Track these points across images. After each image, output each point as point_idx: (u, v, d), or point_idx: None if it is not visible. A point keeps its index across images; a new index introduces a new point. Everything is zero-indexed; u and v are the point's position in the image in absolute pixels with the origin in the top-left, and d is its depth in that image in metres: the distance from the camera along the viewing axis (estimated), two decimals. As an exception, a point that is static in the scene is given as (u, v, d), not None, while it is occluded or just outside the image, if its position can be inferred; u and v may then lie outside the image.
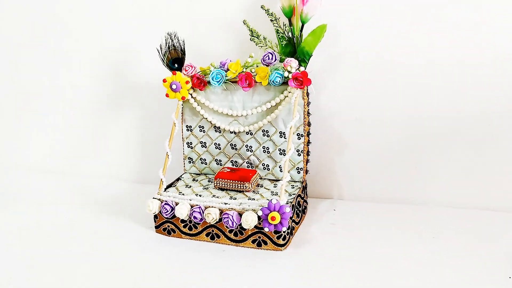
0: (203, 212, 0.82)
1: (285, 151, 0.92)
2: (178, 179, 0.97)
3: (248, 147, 0.95)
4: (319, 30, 0.88)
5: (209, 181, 0.95)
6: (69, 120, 1.18)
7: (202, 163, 0.99)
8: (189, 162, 1.00)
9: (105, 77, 1.12)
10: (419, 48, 0.90)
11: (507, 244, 0.80)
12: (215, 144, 0.97)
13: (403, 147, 0.95)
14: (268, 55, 0.88)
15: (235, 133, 0.95)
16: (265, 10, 0.90)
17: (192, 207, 0.83)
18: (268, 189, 0.90)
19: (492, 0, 0.85)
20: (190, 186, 0.93)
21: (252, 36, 0.91)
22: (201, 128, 0.97)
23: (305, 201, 0.95)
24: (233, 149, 0.96)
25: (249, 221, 0.78)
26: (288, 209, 0.77)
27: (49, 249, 0.84)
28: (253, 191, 0.89)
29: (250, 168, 0.96)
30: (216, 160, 0.98)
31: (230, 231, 0.83)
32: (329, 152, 1.00)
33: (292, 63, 0.86)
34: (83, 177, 1.17)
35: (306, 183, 0.95)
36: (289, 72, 0.86)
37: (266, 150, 0.94)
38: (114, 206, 1.01)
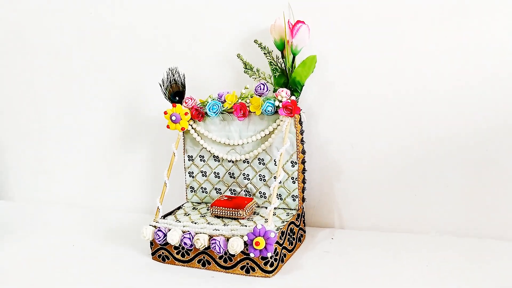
0: (192, 238, 0.84)
1: (280, 179, 0.93)
2: (179, 208, 1.00)
3: (245, 175, 0.97)
4: (308, 61, 0.91)
5: (207, 210, 0.97)
6: (86, 156, 1.25)
7: (203, 192, 1.02)
8: (191, 191, 1.03)
9: (117, 114, 1.19)
10: (410, 75, 0.90)
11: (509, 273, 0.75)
12: (214, 173, 0.99)
13: (400, 174, 0.94)
14: (260, 86, 0.91)
15: (233, 161, 0.97)
16: (258, 44, 0.94)
17: (183, 233, 0.85)
18: (263, 217, 0.91)
19: (481, 23, 0.84)
20: (189, 214, 0.95)
21: (246, 68, 0.95)
22: (201, 158, 1.00)
23: (301, 229, 0.94)
24: (231, 177, 0.98)
25: (235, 247, 0.78)
26: (272, 234, 0.77)
27: (55, 276, 0.88)
28: (248, 218, 0.90)
29: (247, 196, 0.97)
30: (216, 188, 1.00)
31: (220, 258, 0.84)
32: (327, 180, 0.99)
33: (283, 93, 0.89)
34: (99, 209, 1.23)
35: (303, 211, 0.95)
36: (280, 101, 0.88)
37: (262, 178, 0.95)
38: (121, 234, 1.05)
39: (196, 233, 0.84)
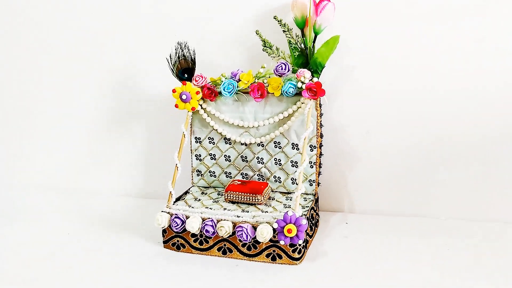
0: (215, 226, 0.79)
1: (297, 163, 0.90)
2: (186, 193, 0.94)
3: (259, 159, 0.93)
4: (332, 41, 0.87)
5: (218, 194, 0.93)
6: (73, 135, 1.15)
7: (211, 175, 0.97)
8: (198, 175, 0.97)
9: (108, 90, 1.10)
10: (431, 68, 0.90)
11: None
12: (225, 156, 0.94)
13: (411, 162, 0.94)
14: (282, 66, 0.86)
15: (246, 144, 0.93)
16: (278, 21, 0.89)
17: (203, 220, 0.81)
18: (280, 202, 0.88)
19: (494, 24, 0.85)
20: (199, 200, 0.90)
21: (265, 46, 0.90)
22: (210, 140, 0.95)
23: (317, 214, 0.93)
24: (243, 161, 0.94)
25: (265, 234, 0.75)
26: (304, 221, 0.74)
27: (53, 267, 0.80)
28: (265, 204, 0.87)
29: (261, 180, 0.93)
30: (225, 172, 0.95)
31: (243, 245, 0.80)
32: (340, 165, 0.98)
33: (306, 74, 0.85)
34: (87, 193, 1.13)
35: (318, 196, 0.93)
36: (303, 82, 0.85)
37: (278, 162, 0.92)
38: (120, 221, 0.98)
39: (219, 221, 0.80)
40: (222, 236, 0.80)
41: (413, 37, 0.90)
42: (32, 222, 0.99)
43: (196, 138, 0.96)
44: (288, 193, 0.92)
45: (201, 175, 0.97)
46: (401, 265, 0.77)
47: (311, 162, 0.90)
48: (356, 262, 0.78)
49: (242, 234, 0.77)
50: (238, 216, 0.80)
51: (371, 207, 0.98)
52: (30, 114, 1.16)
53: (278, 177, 0.93)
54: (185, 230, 0.82)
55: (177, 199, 0.91)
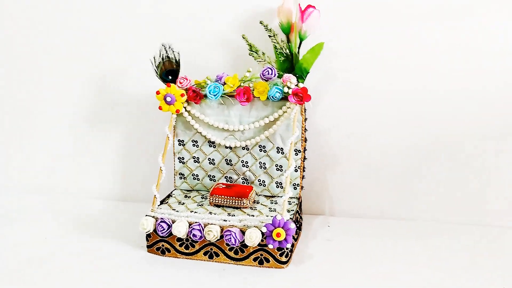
0: (203, 230, 0.79)
1: (282, 167, 0.91)
2: (169, 196, 0.93)
3: (243, 163, 0.93)
4: (317, 48, 0.89)
5: (202, 198, 0.92)
6: (50, 136, 1.11)
7: (194, 179, 0.96)
8: (180, 178, 0.96)
9: (88, 90, 1.07)
10: (413, 72, 0.93)
11: (498, 256, 0.82)
12: (209, 159, 0.94)
13: (392, 166, 0.97)
14: (268, 70, 0.87)
15: (230, 148, 0.93)
16: (264, 26, 0.90)
17: (190, 224, 0.80)
18: (266, 206, 0.88)
19: (488, 24, 0.89)
20: (183, 203, 0.90)
21: (251, 51, 0.90)
22: (194, 143, 0.94)
23: (301, 217, 0.94)
24: (227, 164, 0.94)
25: (253, 238, 0.76)
26: (292, 225, 0.75)
27: (30, 273, 0.77)
28: (251, 207, 0.87)
29: (245, 184, 0.94)
30: (209, 175, 0.95)
31: (230, 249, 0.80)
32: (322, 169, 1.00)
33: (292, 79, 0.86)
34: (62, 194, 1.10)
35: (301, 200, 0.95)
36: (289, 88, 0.86)
37: (263, 166, 0.92)
38: (99, 225, 0.96)
39: (206, 225, 0.79)
40: (209, 240, 0.79)
41: (396, 43, 0.92)
42: (6, 226, 0.95)
43: (179, 140, 0.95)
44: (272, 196, 0.93)
45: (184, 178, 0.96)
46: (387, 267, 0.79)
47: (296, 166, 0.91)
48: (342, 265, 0.80)
49: (230, 238, 0.77)
50: (225, 220, 0.80)
51: (351, 210, 1.01)
52: (6, 115, 1.12)
53: (262, 181, 0.93)
54: (171, 234, 0.81)
55: (161, 203, 0.89)
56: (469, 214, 0.95)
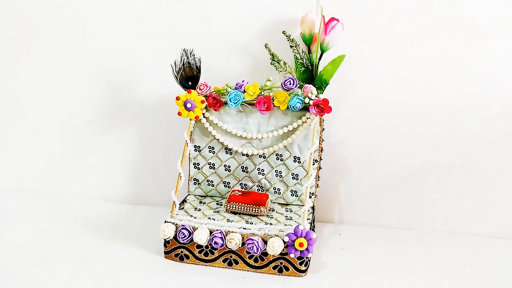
0: (225, 238, 0.79)
1: (297, 175, 0.93)
2: (183, 201, 0.93)
3: (259, 170, 0.94)
4: (338, 60, 0.91)
5: (217, 204, 0.93)
6: (53, 136, 1.09)
7: (208, 184, 0.96)
8: (195, 183, 0.96)
9: (99, 91, 1.06)
10: (430, 88, 0.95)
11: (501, 267, 0.86)
12: (224, 166, 0.95)
13: (402, 177, 1.00)
14: (290, 81, 0.88)
15: (247, 155, 0.94)
16: (287, 36, 0.91)
17: (211, 232, 0.81)
18: (282, 214, 0.89)
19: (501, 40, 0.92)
20: (199, 209, 0.90)
21: (273, 60, 0.91)
22: (210, 149, 0.95)
23: (314, 225, 0.96)
24: (243, 171, 0.94)
25: (276, 248, 0.77)
26: (314, 235, 0.77)
27: (43, 281, 0.76)
28: (267, 215, 0.88)
29: (260, 191, 0.95)
30: (224, 182, 0.95)
31: (250, 257, 0.81)
32: (334, 178, 1.02)
33: (313, 90, 0.87)
34: (67, 197, 1.08)
35: (315, 208, 0.96)
36: (310, 99, 0.87)
37: (279, 174, 0.93)
38: (111, 229, 0.95)
39: (227, 233, 0.80)
40: (230, 248, 0.80)
41: (411, 55, 0.94)
42: (15, 228, 0.93)
43: (195, 146, 0.95)
44: (287, 204, 0.94)
45: (198, 183, 0.96)
46: (403, 274, 0.82)
47: (311, 175, 0.93)
48: (358, 273, 0.82)
49: (252, 247, 0.77)
50: (245, 228, 0.81)
51: (360, 219, 1.03)
52: (18, 115, 1.09)
53: (277, 189, 0.94)
54: (191, 241, 0.81)
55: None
56: (481, 225, 0.99)
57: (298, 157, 0.92)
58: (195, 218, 0.85)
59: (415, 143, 0.98)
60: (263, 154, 0.93)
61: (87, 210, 1.03)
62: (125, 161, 1.08)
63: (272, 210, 0.91)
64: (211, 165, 0.95)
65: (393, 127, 0.98)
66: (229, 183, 0.96)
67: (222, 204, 0.93)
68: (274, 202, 0.95)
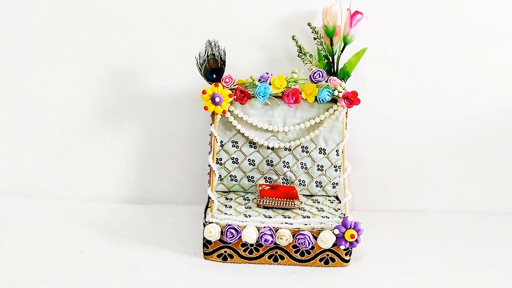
0: (274, 235, 0.78)
1: (322, 167, 0.94)
2: (209, 198, 0.90)
3: (285, 163, 0.93)
4: (361, 52, 0.92)
5: (244, 199, 0.91)
6: (55, 135, 0.98)
7: (231, 180, 0.93)
8: (217, 179, 0.93)
9: (100, 87, 0.97)
10: (438, 86, 1.01)
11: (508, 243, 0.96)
12: (249, 160, 0.92)
13: (409, 166, 1.06)
14: (319, 73, 0.88)
15: (272, 149, 0.92)
16: (312, 28, 0.90)
17: (259, 230, 0.79)
18: (312, 205, 0.90)
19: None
20: (230, 206, 0.87)
21: (300, 53, 0.90)
22: (234, 143, 0.92)
23: (337, 214, 0.98)
24: (268, 165, 0.93)
25: (328, 241, 0.78)
26: (362, 226, 0.79)
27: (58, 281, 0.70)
28: (299, 208, 0.89)
29: (285, 184, 0.94)
30: (248, 176, 0.94)
31: (296, 251, 0.81)
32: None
33: (342, 83, 0.88)
34: (74, 199, 0.98)
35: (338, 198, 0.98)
36: (339, 91, 0.88)
37: (304, 166, 0.94)
38: (133, 231, 0.89)
39: (276, 229, 0.79)
40: (278, 245, 0.79)
41: (427, 54, 0.99)
42: (26, 233, 0.83)
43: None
44: (311, 195, 0.95)
45: (221, 179, 0.93)
46: (438, 258, 0.86)
47: (336, 166, 0.94)
48: (393, 260, 0.85)
49: (304, 242, 0.78)
50: (291, 224, 0.81)
51: (369, 204, 1.08)
52: (22, 115, 0.96)
53: (302, 181, 0.95)
54: (238, 240, 0.79)
55: (206, 207, 0.86)
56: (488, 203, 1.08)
57: (324, 149, 0.93)
58: (230, 215, 0.82)
59: (422, 134, 1.04)
60: (289, 146, 0.92)
61: (99, 212, 0.95)
62: (130, 160, 1.01)
63: (300, 203, 0.91)
64: (234, 159, 0.92)
65: (401, 118, 1.03)
66: (253, 177, 0.94)
67: (249, 199, 0.91)
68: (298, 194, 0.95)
